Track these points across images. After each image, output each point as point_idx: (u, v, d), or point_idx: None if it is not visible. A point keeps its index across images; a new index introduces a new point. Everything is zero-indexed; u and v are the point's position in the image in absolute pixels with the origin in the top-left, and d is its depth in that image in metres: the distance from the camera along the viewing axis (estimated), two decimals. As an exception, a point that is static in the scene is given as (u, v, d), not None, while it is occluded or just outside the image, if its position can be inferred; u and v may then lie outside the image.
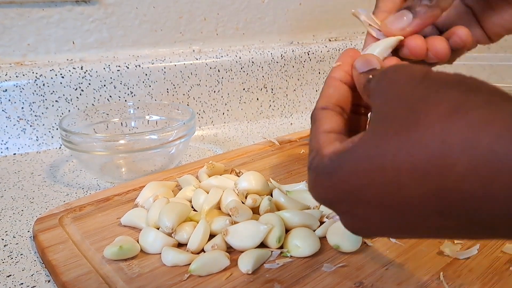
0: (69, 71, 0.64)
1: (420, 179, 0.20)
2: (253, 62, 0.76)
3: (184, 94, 0.72)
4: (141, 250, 0.37)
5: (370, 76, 0.26)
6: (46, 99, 0.63)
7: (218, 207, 0.41)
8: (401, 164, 0.20)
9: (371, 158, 0.21)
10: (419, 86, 0.22)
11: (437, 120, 0.19)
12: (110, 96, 0.67)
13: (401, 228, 0.23)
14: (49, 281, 0.36)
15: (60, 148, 0.65)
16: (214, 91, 0.74)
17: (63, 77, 0.64)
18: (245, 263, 0.34)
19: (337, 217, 0.39)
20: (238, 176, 0.48)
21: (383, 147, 0.21)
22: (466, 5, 0.36)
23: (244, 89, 0.77)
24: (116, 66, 0.67)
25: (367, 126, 0.25)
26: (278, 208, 0.41)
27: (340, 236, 0.36)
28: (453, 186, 0.19)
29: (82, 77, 0.65)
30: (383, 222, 0.23)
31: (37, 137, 0.64)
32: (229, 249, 0.36)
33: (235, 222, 0.37)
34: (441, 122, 0.19)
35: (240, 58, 0.75)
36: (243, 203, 0.40)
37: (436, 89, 0.21)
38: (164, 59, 0.70)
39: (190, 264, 0.34)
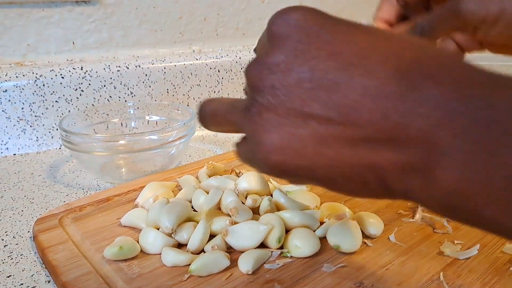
0: (69, 71, 0.64)
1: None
2: (253, 62, 0.76)
3: (184, 95, 0.72)
4: (141, 251, 0.37)
5: None
6: (46, 100, 0.63)
7: (218, 207, 0.41)
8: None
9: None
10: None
11: None
12: (110, 96, 0.67)
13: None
14: (49, 282, 0.36)
15: (60, 148, 0.65)
16: (214, 91, 0.74)
17: (63, 77, 0.64)
18: (245, 264, 0.34)
19: (338, 217, 0.39)
20: (238, 176, 0.48)
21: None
22: None
23: (244, 89, 0.77)
24: (116, 66, 0.67)
25: None
26: (278, 208, 0.41)
27: (340, 236, 0.36)
28: None
29: (82, 78, 0.65)
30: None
31: (37, 137, 0.64)
32: (229, 250, 0.36)
33: (235, 223, 0.37)
34: None
35: (240, 58, 0.75)
36: (243, 203, 0.40)
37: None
38: (164, 60, 0.70)
39: (190, 264, 0.34)
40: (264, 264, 0.35)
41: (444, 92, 0.18)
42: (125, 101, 0.68)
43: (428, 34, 0.31)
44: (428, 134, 0.18)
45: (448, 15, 0.31)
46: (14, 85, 0.61)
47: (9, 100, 0.61)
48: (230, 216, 0.38)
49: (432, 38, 0.31)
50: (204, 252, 0.36)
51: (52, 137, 0.65)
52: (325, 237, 0.37)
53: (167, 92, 0.70)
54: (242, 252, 0.35)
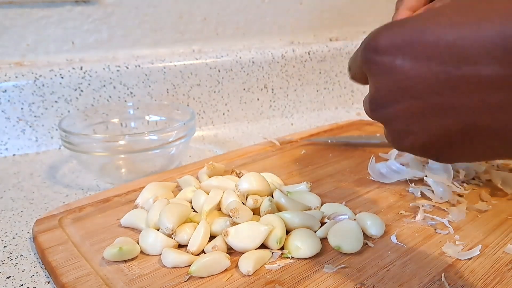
0: (69, 71, 0.64)
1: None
2: (253, 62, 0.76)
3: (184, 95, 0.72)
4: (141, 251, 0.36)
5: None
6: (45, 100, 0.63)
7: (218, 208, 0.40)
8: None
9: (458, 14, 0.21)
10: None
11: None
12: (110, 96, 0.67)
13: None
14: (48, 282, 0.35)
15: (59, 148, 0.65)
16: (214, 91, 0.74)
17: (62, 77, 0.63)
18: (246, 264, 0.33)
19: (340, 217, 0.39)
20: (238, 177, 0.48)
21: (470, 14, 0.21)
22: None
23: (244, 89, 0.77)
24: (116, 66, 0.67)
25: None
26: (279, 209, 0.41)
27: (341, 237, 0.36)
28: None
29: (82, 78, 0.64)
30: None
31: (36, 137, 0.64)
32: (230, 250, 0.36)
33: (236, 223, 0.37)
34: None
35: (240, 58, 0.75)
36: (243, 204, 0.40)
37: None
38: (164, 59, 0.70)
39: (190, 265, 0.33)
40: (265, 265, 0.34)
41: None
42: (125, 101, 0.67)
43: None
44: None
45: None
46: (14, 85, 0.61)
47: (9, 100, 0.61)
48: (231, 217, 0.38)
49: None
50: (205, 253, 0.36)
51: (51, 138, 0.65)
52: (326, 238, 0.37)
53: (167, 92, 0.70)
54: (243, 253, 0.35)
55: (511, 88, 0.20)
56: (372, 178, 0.49)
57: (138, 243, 0.37)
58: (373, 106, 0.26)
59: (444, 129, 0.23)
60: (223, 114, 0.76)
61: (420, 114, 0.23)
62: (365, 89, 0.97)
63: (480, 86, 0.21)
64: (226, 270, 0.34)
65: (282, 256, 0.36)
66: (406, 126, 0.25)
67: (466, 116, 0.22)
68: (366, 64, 0.25)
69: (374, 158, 0.50)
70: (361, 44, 0.26)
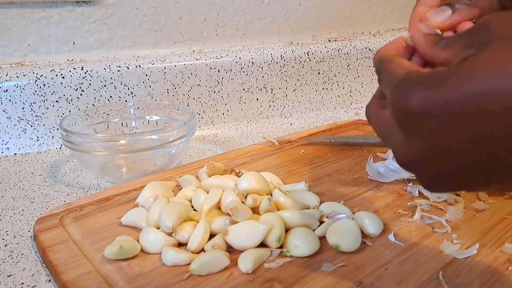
0: (70, 71, 0.64)
1: None
2: (253, 63, 0.76)
3: (184, 95, 0.72)
4: (142, 250, 0.37)
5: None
6: (46, 100, 0.63)
7: (218, 207, 0.41)
8: None
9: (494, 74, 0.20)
10: None
11: None
12: (111, 96, 0.67)
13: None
14: (49, 281, 0.36)
15: (60, 148, 0.65)
16: (214, 91, 0.74)
17: (63, 77, 0.64)
18: (245, 263, 0.34)
19: (338, 216, 0.39)
20: (238, 176, 0.48)
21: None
22: (502, 5, 0.35)
23: (244, 89, 0.77)
24: (117, 66, 0.67)
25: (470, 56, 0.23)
26: (278, 208, 0.41)
27: (339, 235, 0.36)
28: None
29: (83, 78, 0.65)
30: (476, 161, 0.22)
31: (37, 137, 0.64)
32: (229, 249, 0.36)
33: (235, 222, 0.37)
34: None
35: (240, 58, 0.75)
36: (243, 203, 0.40)
37: None
38: (164, 60, 0.70)
39: (190, 263, 0.34)
40: (264, 264, 0.35)
41: None
42: (126, 101, 0.68)
43: (474, 4, 0.30)
44: None
45: None
46: (15, 85, 0.61)
47: (10, 100, 0.61)
48: (230, 216, 0.38)
49: (479, 9, 0.30)
50: (204, 251, 0.36)
51: (52, 137, 0.65)
52: (324, 237, 0.37)
53: (167, 92, 0.71)
54: (242, 251, 0.35)
55: None
56: (370, 178, 0.49)
57: (138, 242, 0.37)
58: (410, 164, 0.25)
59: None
60: (223, 114, 0.76)
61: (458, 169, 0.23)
62: (363, 90, 0.96)
63: None
64: (225, 268, 0.34)
65: (281, 255, 0.36)
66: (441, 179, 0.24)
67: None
68: (400, 125, 0.24)
69: (372, 157, 0.50)
70: (389, 95, 0.25)
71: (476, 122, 0.21)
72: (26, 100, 0.62)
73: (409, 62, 0.27)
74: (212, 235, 0.37)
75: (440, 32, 0.29)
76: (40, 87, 0.62)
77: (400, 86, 0.23)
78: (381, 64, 0.28)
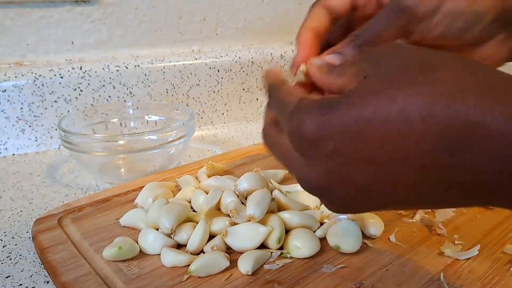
0: (68, 71, 0.64)
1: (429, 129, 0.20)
2: (252, 62, 0.76)
3: (183, 94, 0.72)
4: (140, 251, 0.36)
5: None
6: (45, 99, 0.63)
7: (217, 207, 0.40)
8: (412, 115, 0.20)
9: (378, 106, 0.21)
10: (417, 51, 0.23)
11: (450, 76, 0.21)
12: (109, 96, 0.67)
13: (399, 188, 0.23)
14: (48, 282, 0.35)
15: (59, 148, 0.65)
16: (214, 91, 0.74)
17: (62, 77, 0.63)
18: (245, 264, 0.34)
19: (339, 217, 0.39)
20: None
21: (393, 98, 0.21)
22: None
23: (243, 89, 0.77)
24: (116, 66, 0.67)
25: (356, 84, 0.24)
26: (278, 208, 0.41)
27: (340, 237, 0.36)
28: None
29: (81, 77, 0.64)
30: (380, 182, 0.23)
31: (36, 137, 0.64)
32: (229, 250, 0.36)
33: (235, 223, 0.37)
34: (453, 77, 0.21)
35: (239, 58, 0.75)
36: (243, 204, 0.40)
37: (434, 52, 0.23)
38: (164, 59, 0.70)
39: (189, 265, 0.34)
40: (264, 265, 0.34)
41: None
42: (125, 101, 0.67)
43: (370, 42, 0.30)
44: None
45: (390, 14, 0.30)
46: (13, 85, 0.61)
47: (8, 100, 0.61)
48: (230, 217, 0.38)
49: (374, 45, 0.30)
50: (204, 252, 0.36)
51: (51, 137, 0.65)
52: (325, 238, 0.37)
53: (167, 92, 0.70)
54: (242, 253, 0.35)
55: None
56: (371, 178, 0.49)
57: (137, 243, 0.37)
58: (314, 189, 0.25)
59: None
60: (223, 114, 0.76)
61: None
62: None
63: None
64: (225, 269, 0.34)
65: (281, 256, 0.36)
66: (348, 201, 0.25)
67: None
68: (299, 151, 0.24)
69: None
70: (284, 122, 0.25)
71: (369, 145, 0.21)
72: (24, 100, 0.62)
73: (299, 89, 0.28)
74: (211, 236, 0.37)
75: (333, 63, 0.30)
76: (38, 87, 0.62)
77: (295, 113, 0.24)
78: (271, 91, 0.29)
